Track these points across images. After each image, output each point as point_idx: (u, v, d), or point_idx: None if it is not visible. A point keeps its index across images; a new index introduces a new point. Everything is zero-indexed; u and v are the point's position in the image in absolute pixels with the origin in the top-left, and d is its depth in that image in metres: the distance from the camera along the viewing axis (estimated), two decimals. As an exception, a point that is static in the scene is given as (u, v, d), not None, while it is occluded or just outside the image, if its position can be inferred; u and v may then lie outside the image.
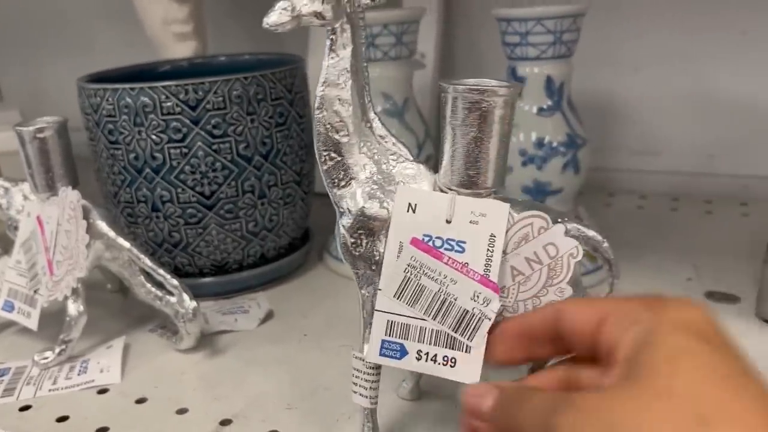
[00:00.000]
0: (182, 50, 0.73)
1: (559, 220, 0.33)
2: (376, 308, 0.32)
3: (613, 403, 0.23)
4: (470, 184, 0.33)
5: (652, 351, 0.23)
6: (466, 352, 0.31)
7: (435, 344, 0.32)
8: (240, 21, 0.92)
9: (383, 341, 0.33)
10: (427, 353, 0.32)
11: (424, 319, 0.32)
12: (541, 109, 0.52)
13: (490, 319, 0.31)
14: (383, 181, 0.34)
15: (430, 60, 0.74)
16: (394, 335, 0.32)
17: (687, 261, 0.58)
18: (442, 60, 0.77)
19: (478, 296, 0.31)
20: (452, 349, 0.32)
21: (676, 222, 0.67)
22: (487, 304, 0.31)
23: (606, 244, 0.35)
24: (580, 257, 0.33)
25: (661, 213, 0.70)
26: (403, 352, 0.32)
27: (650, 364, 0.23)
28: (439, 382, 0.42)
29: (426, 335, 0.32)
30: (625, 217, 0.69)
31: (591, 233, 0.34)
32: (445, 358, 0.32)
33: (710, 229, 0.65)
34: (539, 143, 0.52)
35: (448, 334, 0.32)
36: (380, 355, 0.33)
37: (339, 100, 0.33)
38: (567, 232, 0.33)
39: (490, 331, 0.31)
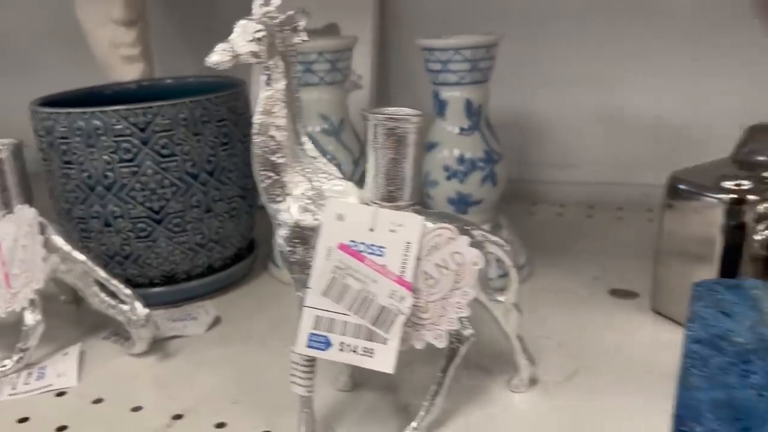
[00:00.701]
0: (130, 72, 0.76)
1: (467, 228, 0.39)
2: (305, 305, 0.37)
3: None
4: (390, 198, 0.38)
5: None
6: (383, 343, 0.37)
7: (356, 337, 0.37)
8: (186, 43, 0.96)
9: (311, 334, 0.37)
10: (349, 345, 0.37)
11: (348, 315, 0.37)
12: (462, 129, 0.58)
13: (404, 314, 0.36)
14: (315, 197, 0.39)
15: (366, 82, 0.79)
16: (321, 329, 0.37)
17: (597, 262, 0.64)
18: (379, 82, 0.82)
19: (394, 294, 0.37)
20: (371, 341, 0.37)
21: (591, 228, 0.74)
22: (402, 301, 0.36)
23: (508, 248, 0.40)
24: (482, 265, 0.38)
25: (578, 220, 0.77)
26: (327, 344, 0.37)
27: None
28: (370, 375, 0.47)
29: (349, 329, 0.37)
30: (546, 224, 0.76)
31: (494, 239, 0.40)
32: (365, 349, 0.37)
33: (620, 234, 0.72)
34: (461, 159, 0.58)
35: (368, 328, 0.37)
36: (308, 346, 0.37)
37: (275, 126, 0.38)
38: (473, 240, 0.38)
39: None
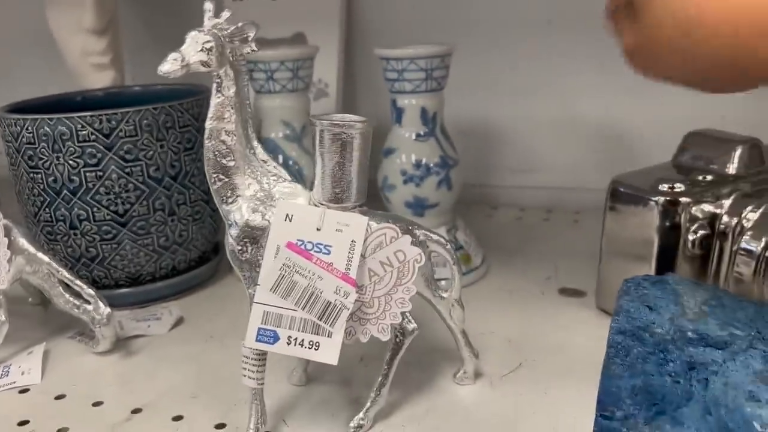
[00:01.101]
0: (101, 80, 0.78)
1: (410, 228, 0.41)
2: (254, 300, 0.39)
3: None
4: (337, 200, 0.40)
5: None
6: (328, 336, 0.39)
7: (303, 330, 0.39)
8: (156, 51, 0.97)
9: (259, 329, 0.39)
10: (296, 338, 0.39)
11: (295, 310, 0.39)
12: (418, 135, 0.61)
13: (348, 309, 0.39)
14: (265, 198, 0.41)
15: (332, 89, 0.82)
16: (269, 323, 0.39)
17: (550, 263, 0.67)
18: (345, 89, 0.85)
19: (339, 290, 0.39)
20: (317, 334, 0.39)
21: (546, 231, 0.77)
22: (347, 297, 0.39)
23: (449, 246, 0.43)
24: (423, 262, 0.40)
25: (536, 223, 0.79)
26: (275, 338, 0.39)
27: None
28: (324, 370, 0.50)
29: (296, 323, 0.39)
30: (505, 227, 0.79)
31: (436, 237, 0.42)
32: (311, 343, 0.39)
33: (575, 237, 0.74)
34: (417, 164, 0.61)
35: (314, 322, 0.39)
36: (257, 340, 0.39)
37: (225, 131, 0.40)
38: (415, 239, 0.41)
39: None
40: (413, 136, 0.61)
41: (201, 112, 0.61)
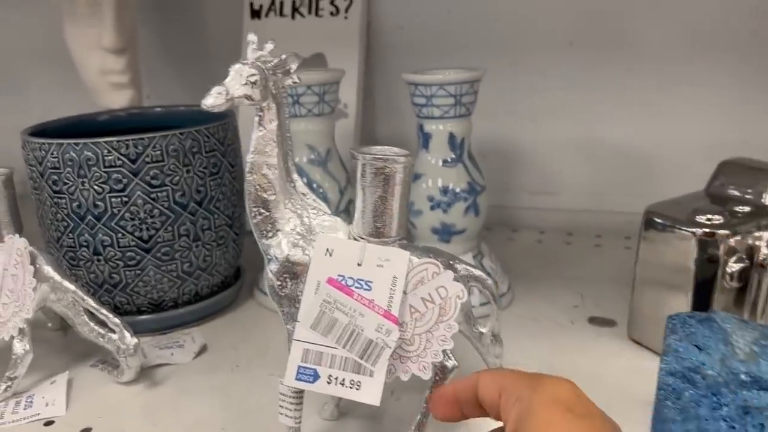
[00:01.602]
0: (118, 99, 0.77)
1: (451, 262, 0.41)
2: (294, 338, 0.38)
3: None
4: (378, 234, 0.40)
5: (528, 425, 0.30)
6: (369, 376, 0.38)
7: (344, 369, 0.38)
8: (171, 70, 0.97)
9: (299, 367, 0.38)
10: (337, 377, 0.38)
11: (335, 348, 0.38)
12: (445, 161, 0.60)
13: (390, 348, 0.38)
14: (305, 232, 0.40)
15: (352, 110, 0.81)
16: (309, 361, 0.38)
17: (575, 290, 0.66)
18: (364, 111, 0.84)
19: (381, 328, 0.38)
20: (358, 373, 0.38)
21: (569, 255, 0.76)
22: (389, 335, 0.38)
23: (490, 281, 0.42)
24: (465, 299, 0.39)
25: (557, 247, 0.79)
26: (316, 377, 0.38)
27: (525, 428, 0.30)
28: (356, 404, 0.48)
29: (336, 361, 0.38)
30: (526, 250, 0.78)
31: (477, 273, 0.41)
32: (352, 382, 0.38)
33: (598, 261, 0.74)
34: (444, 190, 0.60)
35: (355, 361, 0.38)
36: (296, 379, 0.38)
37: (267, 165, 0.39)
38: (457, 274, 0.40)
39: (432, 395, 0.38)
40: (440, 162, 0.60)
41: (226, 136, 0.60)
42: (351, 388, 0.38)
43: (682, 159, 0.78)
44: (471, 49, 0.82)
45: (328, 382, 0.38)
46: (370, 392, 0.38)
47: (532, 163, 0.84)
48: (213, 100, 0.36)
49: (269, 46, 0.38)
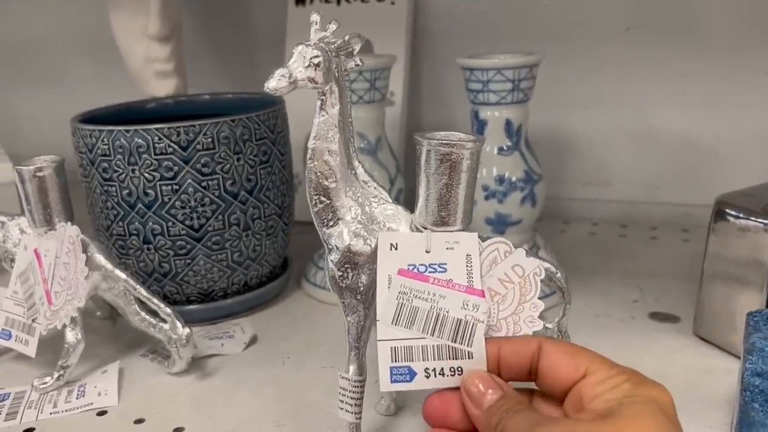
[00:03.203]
0: (163, 87, 0.76)
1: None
2: (378, 338, 0.35)
3: (585, 428, 0.28)
4: (442, 223, 0.38)
5: (622, 410, 0.29)
6: (469, 358, 0.35)
7: (439, 358, 0.35)
8: (214, 59, 0.96)
9: (391, 368, 0.35)
10: (435, 369, 0.35)
11: (424, 338, 0.35)
12: (501, 149, 0.58)
13: (483, 322, 0.35)
14: (367, 221, 0.39)
15: (398, 98, 0.79)
16: (400, 360, 0.35)
17: (633, 284, 0.64)
18: (410, 98, 0.82)
19: (467, 304, 0.35)
20: (456, 359, 0.35)
21: (624, 247, 0.73)
22: (477, 309, 0.35)
23: (559, 275, 0.40)
24: (543, 275, 0.38)
25: (611, 239, 0.76)
26: (412, 374, 0.35)
27: (617, 417, 0.28)
28: (412, 398, 0.47)
29: (429, 352, 0.35)
30: (578, 243, 0.75)
31: (546, 265, 0.39)
32: (452, 369, 0.35)
33: (655, 254, 0.71)
34: (500, 179, 0.58)
35: (449, 346, 0.35)
36: (392, 382, 0.35)
37: (328, 151, 0.37)
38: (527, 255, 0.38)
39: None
40: (496, 150, 0.58)
41: (276, 123, 0.59)
42: (453, 375, 0.35)
43: (743, 150, 0.75)
44: (521, 35, 0.79)
45: (427, 376, 0.35)
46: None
47: (585, 152, 0.81)
48: (276, 83, 0.34)
49: (333, 27, 0.36)
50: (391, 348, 0.35)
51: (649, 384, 0.31)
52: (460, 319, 0.35)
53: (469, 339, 0.35)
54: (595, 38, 0.77)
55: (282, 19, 0.85)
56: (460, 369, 0.35)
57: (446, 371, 0.35)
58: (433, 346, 0.35)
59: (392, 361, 0.35)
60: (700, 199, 0.78)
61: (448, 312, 0.35)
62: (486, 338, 0.35)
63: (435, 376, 0.35)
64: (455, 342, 0.35)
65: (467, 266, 0.36)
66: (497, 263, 0.37)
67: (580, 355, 0.32)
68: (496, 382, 0.33)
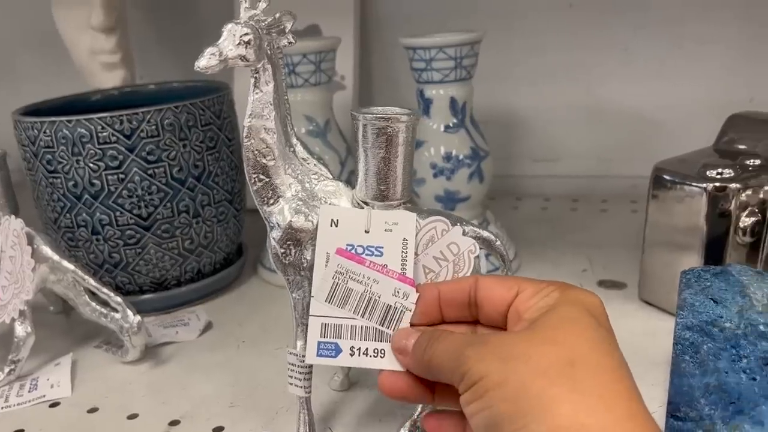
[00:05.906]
0: (111, 79, 0.76)
1: (458, 223, 0.39)
2: (310, 314, 0.36)
3: (512, 340, 0.29)
4: (382, 197, 0.38)
5: (551, 314, 0.30)
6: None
7: (365, 339, 0.36)
8: (166, 48, 0.95)
9: (319, 342, 0.36)
10: (359, 348, 0.36)
11: (354, 318, 0.36)
12: (447, 127, 0.59)
13: (410, 311, 0.36)
14: (307, 198, 0.39)
15: (349, 82, 0.79)
16: (329, 336, 0.36)
17: (583, 254, 0.65)
18: (361, 81, 0.83)
19: (398, 292, 0.36)
20: (380, 341, 0.36)
21: (575, 220, 0.75)
22: (407, 298, 0.36)
23: (498, 242, 0.41)
24: (477, 253, 0.38)
25: (562, 213, 0.77)
26: (338, 351, 0.36)
27: (546, 322, 0.29)
28: (365, 374, 0.48)
29: (357, 332, 0.36)
30: (531, 218, 0.77)
31: (485, 234, 0.40)
32: (375, 351, 0.36)
33: (604, 226, 0.73)
34: (447, 157, 0.59)
35: (376, 329, 0.36)
36: (317, 355, 0.36)
37: (264, 129, 0.38)
38: (465, 233, 0.39)
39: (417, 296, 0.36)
40: (442, 128, 0.59)
41: (222, 109, 0.59)
42: (375, 357, 0.36)
43: (688, 119, 0.77)
44: (469, 15, 0.80)
45: (351, 354, 0.36)
46: (395, 359, 0.36)
47: (534, 129, 0.83)
48: (206, 62, 0.35)
49: (262, 5, 0.36)
50: (322, 324, 0.36)
51: (577, 290, 0.31)
52: (390, 305, 0.36)
53: (396, 324, 0.36)
54: (539, 16, 0.78)
55: (230, 8, 0.84)
56: (383, 351, 0.36)
57: (370, 352, 0.36)
58: (361, 327, 0.36)
59: (321, 336, 0.36)
60: (647, 171, 0.80)
61: (379, 297, 0.36)
62: (424, 284, 0.37)
63: (359, 355, 0.36)
64: (382, 326, 0.36)
65: (402, 252, 0.37)
66: (434, 241, 0.38)
67: (512, 279, 0.34)
68: (411, 328, 0.35)
